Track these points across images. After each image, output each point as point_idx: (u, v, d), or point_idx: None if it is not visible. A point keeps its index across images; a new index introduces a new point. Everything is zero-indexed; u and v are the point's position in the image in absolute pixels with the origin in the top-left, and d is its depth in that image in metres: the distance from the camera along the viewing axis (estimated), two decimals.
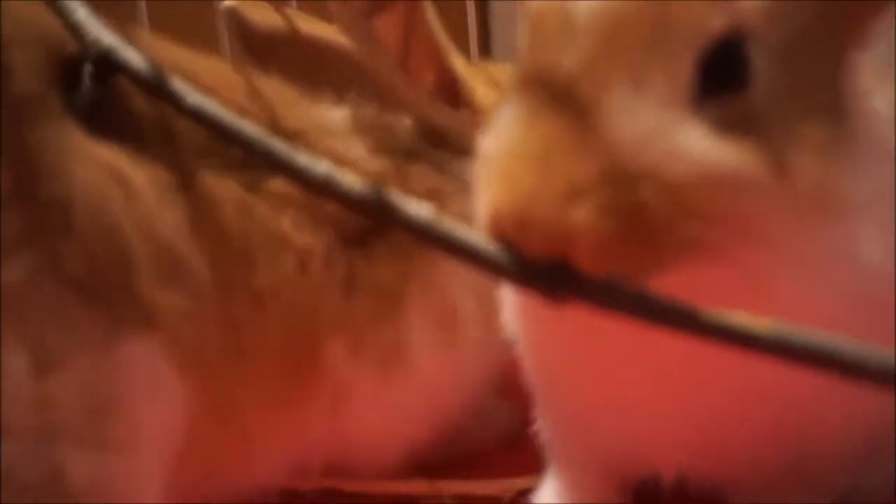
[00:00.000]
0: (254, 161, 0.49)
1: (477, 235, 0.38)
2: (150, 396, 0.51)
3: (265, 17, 0.74)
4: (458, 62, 0.72)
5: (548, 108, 0.37)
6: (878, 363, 0.30)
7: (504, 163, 0.37)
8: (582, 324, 0.39)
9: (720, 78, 0.39)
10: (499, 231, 0.36)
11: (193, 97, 0.48)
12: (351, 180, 0.41)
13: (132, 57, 0.51)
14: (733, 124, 0.38)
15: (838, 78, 0.43)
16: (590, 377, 0.48)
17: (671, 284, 0.35)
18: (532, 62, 0.40)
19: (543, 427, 0.56)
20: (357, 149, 0.65)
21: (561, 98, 0.37)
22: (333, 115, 0.66)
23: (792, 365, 0.31)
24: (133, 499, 0.50)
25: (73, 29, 0.52)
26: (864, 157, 0.43)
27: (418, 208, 0.39)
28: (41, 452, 0.46)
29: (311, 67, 0.71)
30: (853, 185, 0.41)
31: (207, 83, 0.54)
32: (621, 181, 0.35)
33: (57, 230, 0.47)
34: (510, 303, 0.51)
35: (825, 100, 0.42)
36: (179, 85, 0.49)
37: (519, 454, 0.66)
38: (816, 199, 0.40)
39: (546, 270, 0.35)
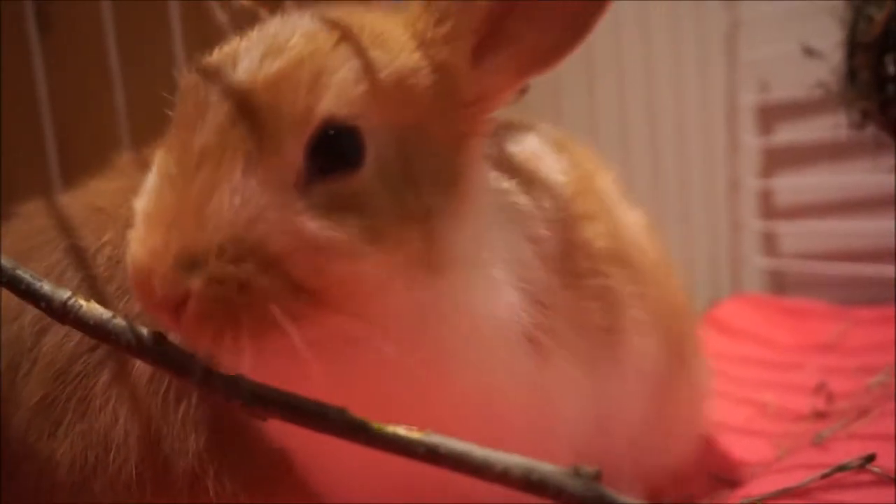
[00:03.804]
0: None
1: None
2: None
3: None
4: None
5: (179, 181, 0.43)
6: (503, 465, 0.38)
7: (141, 224, 0.43)
8: None
9: (332, 160, 0.44)
10: (131, 283, 0.42)
11: None
12: None
13: None
14: (340, 202, 0.44)
15: (456, 160, 0.49)
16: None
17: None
18: (175, 132, 0.46)
19: None
20: None
21: (189, 174, 0.43)
22: None
23: (435, 466, 0.38)
24: None
25: None
26: (476, 224, 0.49)
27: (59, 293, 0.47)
28: None
29: None
30: (461, 247, 0.48)
31: None
32: (231, 256, 0.41)
33: None
34: None
35: (440, 178, 0.47)
36: None
37: None
38: (418, 260, 0.45)
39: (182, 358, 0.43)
